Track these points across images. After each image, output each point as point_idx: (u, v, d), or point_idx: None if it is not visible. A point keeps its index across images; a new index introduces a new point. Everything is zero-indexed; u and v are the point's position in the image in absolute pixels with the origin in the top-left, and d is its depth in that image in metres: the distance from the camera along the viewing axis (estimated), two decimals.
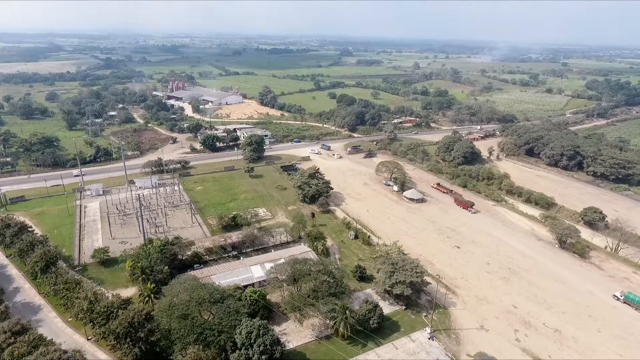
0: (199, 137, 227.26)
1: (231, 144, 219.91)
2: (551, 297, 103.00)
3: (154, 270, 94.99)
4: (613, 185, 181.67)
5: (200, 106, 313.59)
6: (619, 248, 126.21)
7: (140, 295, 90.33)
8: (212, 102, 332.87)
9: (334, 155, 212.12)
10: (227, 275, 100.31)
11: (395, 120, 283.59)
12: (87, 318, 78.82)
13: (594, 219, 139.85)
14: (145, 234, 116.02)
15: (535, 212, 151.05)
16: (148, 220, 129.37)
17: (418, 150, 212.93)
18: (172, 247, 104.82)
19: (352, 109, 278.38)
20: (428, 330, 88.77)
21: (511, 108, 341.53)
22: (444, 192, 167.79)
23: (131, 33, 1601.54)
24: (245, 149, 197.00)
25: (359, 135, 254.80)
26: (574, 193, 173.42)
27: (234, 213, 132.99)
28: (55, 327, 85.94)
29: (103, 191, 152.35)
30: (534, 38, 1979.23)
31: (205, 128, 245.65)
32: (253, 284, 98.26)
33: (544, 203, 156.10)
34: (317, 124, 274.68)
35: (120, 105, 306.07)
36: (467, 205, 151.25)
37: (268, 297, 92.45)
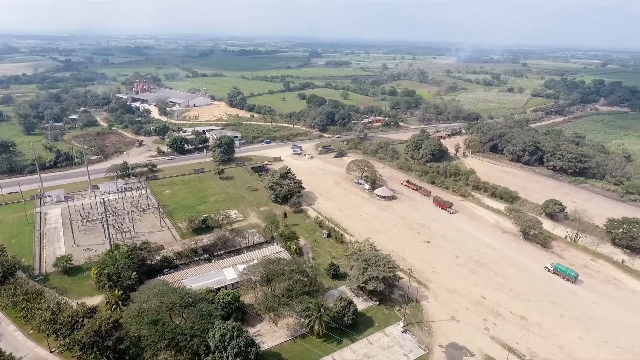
0: (166, 139, 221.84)
1: (200, 146, 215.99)
2: (517, 287, 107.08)
3: (122, 277, 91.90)
4: (571, 178, 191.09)
5: (167, 108, 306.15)
6: (578, 237, 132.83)
7: (107, 302, 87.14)
8: (179, 104, 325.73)
9: (305, 155, 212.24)
10: (198, 278, 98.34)
11: (365, 120, 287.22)
12: (49, 329, 75.26)
13: (554, 211, 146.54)
14: (112, 240, 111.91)
15: (500, 205, 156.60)
16: (114, 226, 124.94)
17: (388, 148, 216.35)
18: (140, 253, 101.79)
19: (322, 110, 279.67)
20: (401, 324, 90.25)
21: (475, 107, 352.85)
22: (413, 189, 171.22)
23: (92, 34, 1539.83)
24: (214, 151, 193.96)
25: (330, 135, 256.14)
26: (535, 187, 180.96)
27: (204, 215, 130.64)
28: (15, 340, 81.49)
29: (65, 197, 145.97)
30: (495, 40, 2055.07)
31: (173, 130, 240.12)
32: (226, 286, 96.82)
33: (508, 197, 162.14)
34: (288, 125, 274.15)
35: (82, 109, 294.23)
36: (446, 206, 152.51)
37: (241, 298, 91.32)
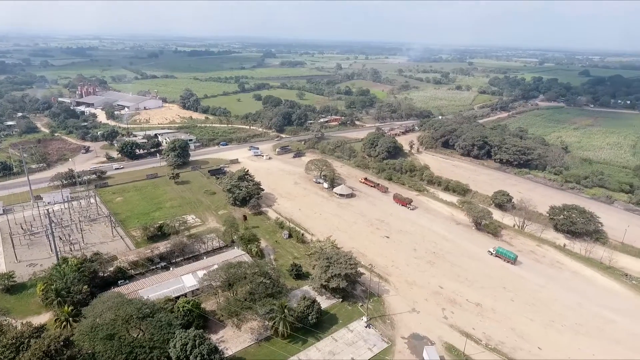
0: (115, 144, 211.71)
1: (153, 150, 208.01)
2: (472, 275, 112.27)
3: (71, 292, 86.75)
4: (516, 170, 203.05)
5: (116, 112, 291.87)
6: (525, 225, 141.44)
7: (56, 320, 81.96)
8: (128, 107, 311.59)
9: (263, 156, 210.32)
10: (156, 287, 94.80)
11: (322, 120, 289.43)
12: None
13: (502, 201, 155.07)
14: (59, 253, 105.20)
15: (454, 198, 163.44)
16: (61, 238, 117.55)
17: (345, 147, 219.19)
18: (91, 265, 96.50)
19: (278, 110, 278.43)
20: (364, 319, 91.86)
21: (427, 104, 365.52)
22: (371, 186, 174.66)
23: (27, 34, 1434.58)
24: (168, 155, 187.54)
25: (287, 136, 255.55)
26: (485, 179, 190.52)
27: (160, 222, 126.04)
28: None
29: (3, 210, 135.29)
30: (443, 40, 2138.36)
31: (123, 135, 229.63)
32: (185, 294, 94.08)
33: (461, 190, 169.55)
34: (244, 126, 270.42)
35: (20, 114, 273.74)
36: (406, 202, 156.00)
37: (203, 305, 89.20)
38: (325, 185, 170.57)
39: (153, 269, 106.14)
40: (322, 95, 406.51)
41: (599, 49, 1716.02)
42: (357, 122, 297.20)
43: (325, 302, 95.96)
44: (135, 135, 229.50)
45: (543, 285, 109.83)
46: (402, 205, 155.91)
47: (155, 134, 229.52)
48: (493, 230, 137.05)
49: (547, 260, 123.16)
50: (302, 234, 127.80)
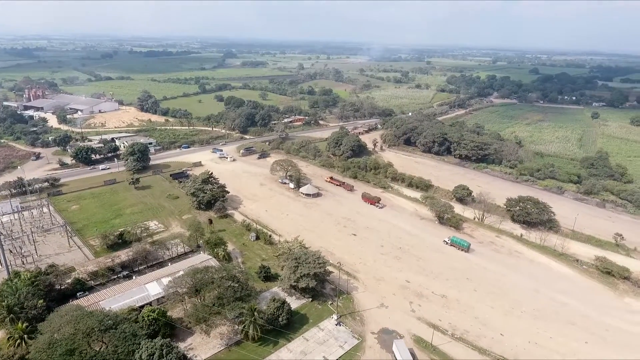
0: (69, 150, 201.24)
1: (110, 155, 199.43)
2: (437, 268, 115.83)
3: (25, 307, 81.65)
4: (475, 164, 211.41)
5: (68, 116, 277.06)
6: (484, 217, 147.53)
7: (9, 338, 76.80)
8: (82, 110, 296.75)
9: (227, 158, 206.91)
10: (118, 298, 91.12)
11: (286, 120, 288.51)
12: None
13: (463, 195, 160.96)
14: (9, 267, 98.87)
15: (417, 194, 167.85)
16: (11, 251, 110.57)
17: (310, 147, 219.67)
18: (46, 278, 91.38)
19: (241, 111, 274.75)
20: (335, 317, 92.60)
21: (389, 103, 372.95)
22: (337, 185, 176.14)
23: None
24: (127, 159, 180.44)
25: (251, 137, 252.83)
26: (446, 174, 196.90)
27: (120, 230, 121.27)
28: None
29: None
30: (402, 40, 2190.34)
31: (77, 140, 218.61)
32: (150, 302, 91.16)
33: (423, 186, 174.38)
34: (207, 128, 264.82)
35: None
36: (375, 201, 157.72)
37: (169, 313, 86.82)
38: (291, 185, 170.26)
39: (115, 279, 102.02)
40: (285, 95, 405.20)
41: (546, 48, 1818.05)
42: (321, 122, 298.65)
43: (295, 303, 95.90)
44: (90, 140, 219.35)
45: (503, 274, 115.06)
46: (371, 204, 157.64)
47: (112, 138, 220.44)
48: (455, 223, 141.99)
49: (506, 250, 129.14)
50: (270, 236, 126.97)
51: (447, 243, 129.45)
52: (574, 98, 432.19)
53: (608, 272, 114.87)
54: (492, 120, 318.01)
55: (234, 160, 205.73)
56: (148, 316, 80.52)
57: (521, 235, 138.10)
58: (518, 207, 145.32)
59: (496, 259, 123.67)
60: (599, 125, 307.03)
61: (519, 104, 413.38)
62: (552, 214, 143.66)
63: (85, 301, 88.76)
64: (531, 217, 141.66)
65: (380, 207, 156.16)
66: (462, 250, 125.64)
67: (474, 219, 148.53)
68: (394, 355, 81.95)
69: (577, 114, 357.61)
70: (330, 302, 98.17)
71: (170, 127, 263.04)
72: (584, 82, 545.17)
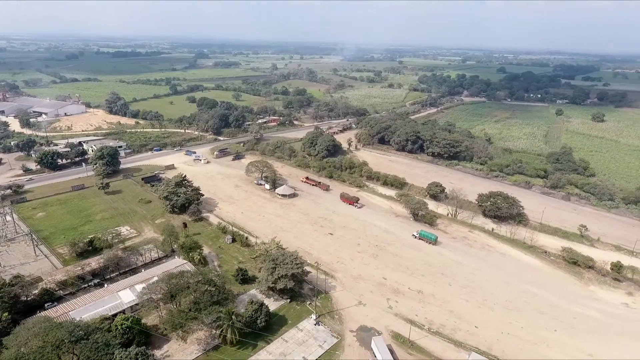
0: (33, 155, 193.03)
1: (77, 159, 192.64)
2: (412, 264, 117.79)
3: None
4: (447, 162, 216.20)
5: (32, 119, 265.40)
6: (457, 213, 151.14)
7: None
8: (46, 114, 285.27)
9: (201, 160, 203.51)
10: (90, 307, 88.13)
11: (260, 121, 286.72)
12: None
13: (436, 192, 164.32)
14: None
15: (392, 192, 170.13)
16: None
17: (285, 147, 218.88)
18: (11, 289, 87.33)
19: (214, 112, 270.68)
20: (313, 316, 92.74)
21: (362, 103, 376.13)
22: (313, 185, 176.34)
23: None
24: (96, 164, 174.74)
25: (225, 138, 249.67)
26: (419, 172, 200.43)
27: (90, 236, 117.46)
28: None
29: None
30: (375, 40, 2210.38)
31: (41, 144, 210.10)
32: (124, 310, 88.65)
33: (398, 184, 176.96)
34: (179, 130, 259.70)
35: None
36: (353, 201, 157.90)
37: (144, 320, 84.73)
38: (267, 186, 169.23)
39: (85, 288, 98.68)
40: (259, 95, 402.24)
41: (512, 48, 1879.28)
42: (295, 122, 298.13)
43: (273, 304, 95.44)
44: (56, 144, 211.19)
45: (476, 268, 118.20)
46: (350, 204, 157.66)
47: (80, 142, 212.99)
48: (429, 220, 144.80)
49: (479, 245, 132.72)
50: (246, 238, 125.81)
51: (415, 237, 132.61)
52: (539, 96, 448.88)
53: (574, 262, 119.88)
54: (463, 118, 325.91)
55: (208, 162, 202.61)
56: (121, 325, 78.29)
57: (492, 229, 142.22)
58: (489, 202, 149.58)
59: (469, 253, 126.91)
60: (562, 121, 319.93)
61: (488, 102, 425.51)
62: (521, 208, 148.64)
63: (54, 312, 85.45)
64: (501, 211, 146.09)
65: (359, 207, 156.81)
66: (430, 243, 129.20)
67: (448, 215, 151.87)
68: (373, 352, 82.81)
69: (542, 111, 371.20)
70: (308, 302, 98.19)
71: (141, 130, 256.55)
72: (548, 81, 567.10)
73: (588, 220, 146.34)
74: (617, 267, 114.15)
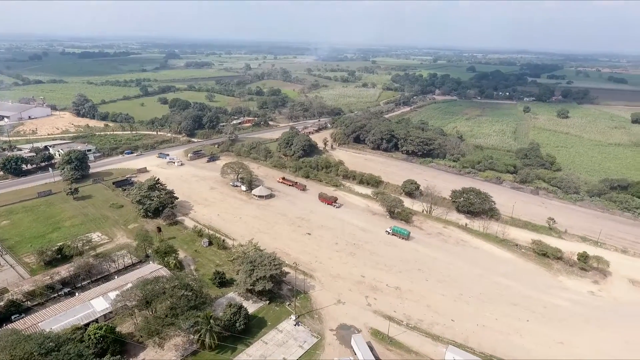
0: None
1: (43, 164, 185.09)
2: (389, 261, 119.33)
3: None
4: (421, 159, 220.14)
5: None
6: (432, 209, 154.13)
7: None
8: (8, 117, 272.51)
9: (174, 163, 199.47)
10: (60, 317, 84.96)
11: (235, 122, 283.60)
12: None
13: (411, 189, 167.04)
14: None
15: (368, 190, 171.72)
16: None
17: (260, 148, 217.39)
18: None
19: (187, 113, 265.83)
20: (293, 317, 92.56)
21: (337, 102, 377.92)
22: (289, 185, 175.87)
23: None
24: (63, 168, 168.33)
25: (199, 140, 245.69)
26: (394, 170, 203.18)
27: (59, 244, 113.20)
28: None
29: None
30: (348, 39, 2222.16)
31: (4, 149, 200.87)
32: (97, 319, 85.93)
33: (374, 182, 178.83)
34: (151, 132, 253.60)
35: None
36: (331, 201, 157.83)
37: (118, 329, 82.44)
38: (243, 187, 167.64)
39: (55, 297, 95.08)
40: (233, 96, 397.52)
41: (482, 47, 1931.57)
42: (270, 122, 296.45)
43: (252, 307, 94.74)
44: (20, 149, 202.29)
45: (451, 262, 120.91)
46: (328, 204, 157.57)
47: (46, 146, 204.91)
48: (405, 217, 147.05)
49: (453, 240, 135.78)
50: (223, 240, 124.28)
51: (389, 233, 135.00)
52: (507, 94, 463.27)
53: (544, 254, 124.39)
54: (435, 117, 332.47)
55: (181, 164, 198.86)
56: (95, 334, 75.90)
57: (466, 224, 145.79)
58: (462, 198, 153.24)
59: (444, 248, 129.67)
60: (530, 118, 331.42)
61: (459, 100, 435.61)
62: (492, 203, 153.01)
63: (22, 324, 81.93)
64: (474, 207, 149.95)
65: (337, 207, 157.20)
66: (403, 238, 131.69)
67: (423, 211, 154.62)
68: (353, 350, 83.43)
69: (511, 108, 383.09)
70: (288, 303, 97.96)
71: (111, 133, 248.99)
72: (516, 79, 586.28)
73: (556, 213, 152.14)
74: (584, 257, 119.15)
